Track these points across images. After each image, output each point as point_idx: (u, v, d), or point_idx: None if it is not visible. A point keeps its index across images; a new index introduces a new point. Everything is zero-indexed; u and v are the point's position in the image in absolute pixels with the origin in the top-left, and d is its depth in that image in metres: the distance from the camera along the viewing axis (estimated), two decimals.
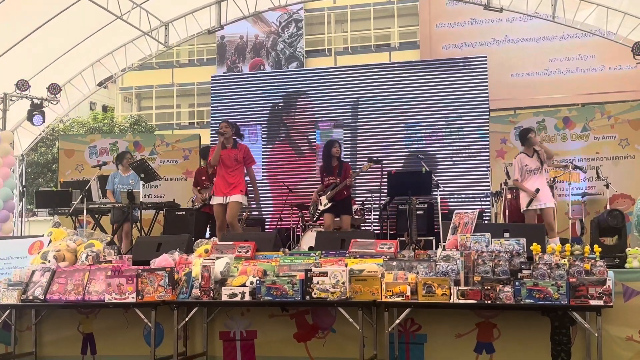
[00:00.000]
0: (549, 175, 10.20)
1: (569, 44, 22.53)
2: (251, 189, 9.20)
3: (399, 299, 5.61)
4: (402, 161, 11.93)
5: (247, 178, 8.91)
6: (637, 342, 5.70)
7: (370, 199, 10.86)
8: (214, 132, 12.78)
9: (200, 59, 29.66)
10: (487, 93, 12.09)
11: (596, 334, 5.34)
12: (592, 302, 5.25)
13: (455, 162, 11.91)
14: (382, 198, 10.63)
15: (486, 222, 10.01)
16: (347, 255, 6.51)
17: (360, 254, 6.50)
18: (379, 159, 10.07)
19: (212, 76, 14.57)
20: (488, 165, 11.44)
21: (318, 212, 9.48)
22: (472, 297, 5.46)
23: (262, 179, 12.52)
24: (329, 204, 9.25)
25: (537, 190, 8.71)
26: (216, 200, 8.66)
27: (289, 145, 12.75)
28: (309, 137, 12.70)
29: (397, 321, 5.80)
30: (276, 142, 12.77)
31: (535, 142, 9.02)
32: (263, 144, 12.73)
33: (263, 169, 12.67)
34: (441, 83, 12.12)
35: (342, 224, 9.29)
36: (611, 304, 5.28)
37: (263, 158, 12.74)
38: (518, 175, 8.92)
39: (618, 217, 7.59)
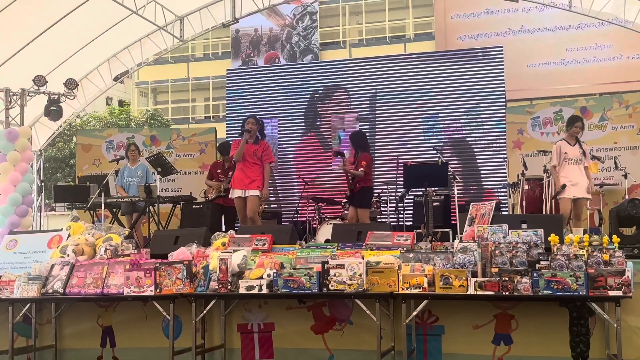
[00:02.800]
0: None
1: (586, 34, 22.33)
2: None
3: (416, 291, 5.60)
4: (420, 152, 11.88)
5: None
6: None
7: (386, 190, 10.85)
8: (230, 125, 12.86)
9: (215, 52, 29.71)
10: (503, 83, 12.02)
11: (615, 325, 5.30)
12: (611, 293, 5.21)
13: (472, 153, 11.85)
14: (398, 190, 10.61)
15: (503, 213, 9.97)
16: (364, 247, 6.50)
17: (377, 246, 6.48)
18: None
19: (228, 70, 14.61)
20: (505, 156, 11.37)
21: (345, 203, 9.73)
22: (490, 289, 5.44)
23: (278, 172, 12.54)
24: (349, 195, 9.47)
25: (564, 186, 8.38)
26: (235, 193, 8.75)
27: (305, 138, 12.75)
28: (326, 130, 12.69)
29: (415, 313, 5.79)
30: (292, 135, 12.77)
31: (577, 133, 8.62)
32: (279, 137, 12.74)
33: (279, 162, 12.69)
34: (458, 74, 12.05)
35: (357, 217, 9.30)
36: (630, 294, 5.23)
37: (279, 151, 12.75)
38: (556, 161, 8.54)
39: (639, 206, 7.54)
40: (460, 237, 6.58)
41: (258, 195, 8.67)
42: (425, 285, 5.58)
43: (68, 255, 6.81)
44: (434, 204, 9.73)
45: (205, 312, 6.23)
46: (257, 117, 9.28)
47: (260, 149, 8.76)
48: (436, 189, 10.01)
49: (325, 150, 12.59)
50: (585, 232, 8.12)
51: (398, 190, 10.63)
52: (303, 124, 12.80)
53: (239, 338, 6.64)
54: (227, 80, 13.64)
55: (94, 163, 12.77)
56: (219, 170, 10.47)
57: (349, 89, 12.65)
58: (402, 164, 10.27)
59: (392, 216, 10.81)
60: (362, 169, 9.22)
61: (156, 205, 9.66)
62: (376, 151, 12.31)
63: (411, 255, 5.99)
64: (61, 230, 7.56)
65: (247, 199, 8.64)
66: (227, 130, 13.06)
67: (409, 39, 27.09)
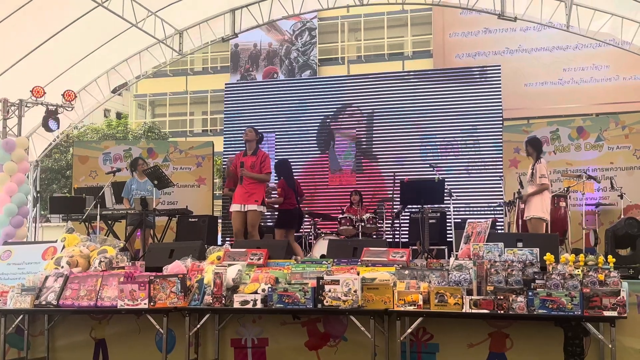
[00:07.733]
0: (563, 185, 10.20)
1: (583, 54, 22.48)
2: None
3: (411, 308, 5.59)
4: (417, 169, 11.89)
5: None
6: None
7: (382, 207, 10.84)
8: (227, 139, 12.87)
9: (214, 66, 29.82)
10: (500, 102, 12.06)
11: (610, 345, 5.29)
12: (606, 313, 5.21)
13: (469, 171, 11.87)
14: (394, 206, 10.61)
15: (499, 231, 9.97)
16: (359, 263, 6.50)
17: (373, 263, 6.48)
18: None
19: (226, 84, 14.63)
20: (501, 174, 11.39)
21: None
22: (485, 307, 5.43)
23: (274, 187, 12.53)
24: None
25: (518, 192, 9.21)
26: (234, 207, 8.73)
27: (302, 154, 12.75)
28: (323, 145, 12.70)
29: (409, 330, 5.77)
30: (290, 150, 12.76)
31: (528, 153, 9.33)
32: (276, 152, 12.73)
33: (275, 177, 12.66)
34: (455, 92, 12.09)
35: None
36: (625, 315, 5.23)
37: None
38: None
39: (634, 225, 7.55)
40: (456, 255, 6.58)
41: (257, 211, 8.67)
42: (421, 302, 5.56)
43: (62, 267, 6.78)
44: (430, 221, 9.74)
45: (199, 326, 6.22)
46: (256, 128, 9.26)
47: (257, 161, 8.73)
48: (432, 206, 10.01)
49: (322, 166, 12.59)
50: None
51: (394, 206, 10.63)
52: (300, 139, 12.81)
53: (232, 353, 6.61)
54: (226, 94, 13.66)
55: (90, 175, 12.75)
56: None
57: (347, 106, 12.67)
58: (398, 181, 10.27)
59: (388, 233, 10.80)
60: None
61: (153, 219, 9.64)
62: (373, 168, 12.31)
63: (407, 272, 5.99)
64: (56, 241, 7.54)
65: (247, 213, 8.63)
66: (224, 144, 13.06)
67: (407, 57, 27.24)
